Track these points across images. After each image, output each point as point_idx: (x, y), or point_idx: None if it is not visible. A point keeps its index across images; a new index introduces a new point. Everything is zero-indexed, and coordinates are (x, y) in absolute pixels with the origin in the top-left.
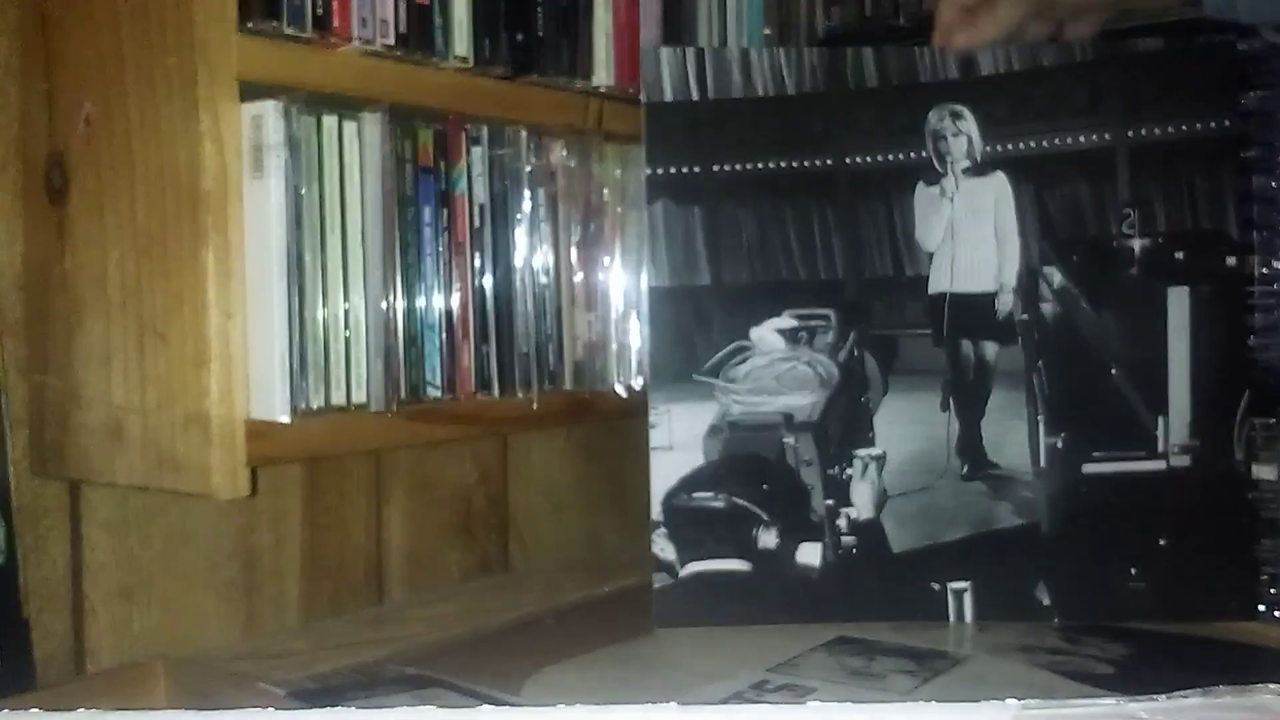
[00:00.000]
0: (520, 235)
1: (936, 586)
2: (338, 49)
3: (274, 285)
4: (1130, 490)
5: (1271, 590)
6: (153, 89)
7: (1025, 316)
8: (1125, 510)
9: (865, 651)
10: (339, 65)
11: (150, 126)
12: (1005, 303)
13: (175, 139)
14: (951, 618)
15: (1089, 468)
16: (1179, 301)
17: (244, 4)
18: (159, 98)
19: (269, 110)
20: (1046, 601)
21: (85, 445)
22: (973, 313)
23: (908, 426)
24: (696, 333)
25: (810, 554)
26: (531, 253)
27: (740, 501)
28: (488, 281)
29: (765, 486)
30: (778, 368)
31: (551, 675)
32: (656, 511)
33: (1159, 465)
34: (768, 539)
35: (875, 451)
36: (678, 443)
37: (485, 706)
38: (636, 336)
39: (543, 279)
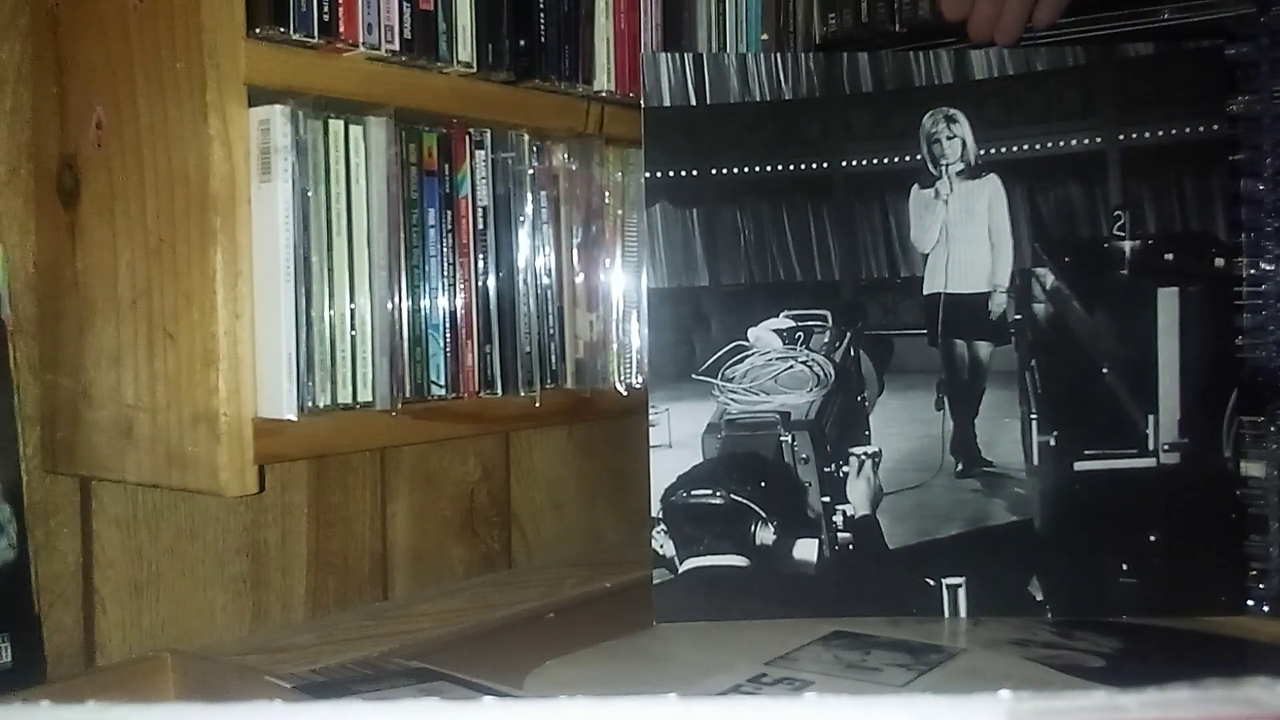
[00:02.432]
0: (523, 237)
1: (931, 582)
2: (344, 54)
3: (281, 286)
4: (1121, 487)
5: (1260, 585)
6: (162, 93)
7: (1018, 317)
8: (1116, 507)
9: (861, 645)
10: (345, 70)
11: (160, 130)
12: (999, 303)
13: (184, 142)
14: (946, 613)
15: (1081, 465)
16: (1169, 302)
17: (252, 10)
18: (168, 102)
19: (276, 114)
20: (1039, 597)
21: (96, 443)
22: (967, 313)
23: (903, 425)
24: (695, 333)
25: (807, 550)
26: (534, 254)
27: (738, 498)
28: (491, 282)
29: (763, 484)
30: (775, 367)
31: (553, 669)
32: (656, 508)
33: (1149, 463)
34: (765, 535)
35: (871, 449)
36: (677, 441)
37: (487, 698)
38: (637, 336)
39: (545, 280)
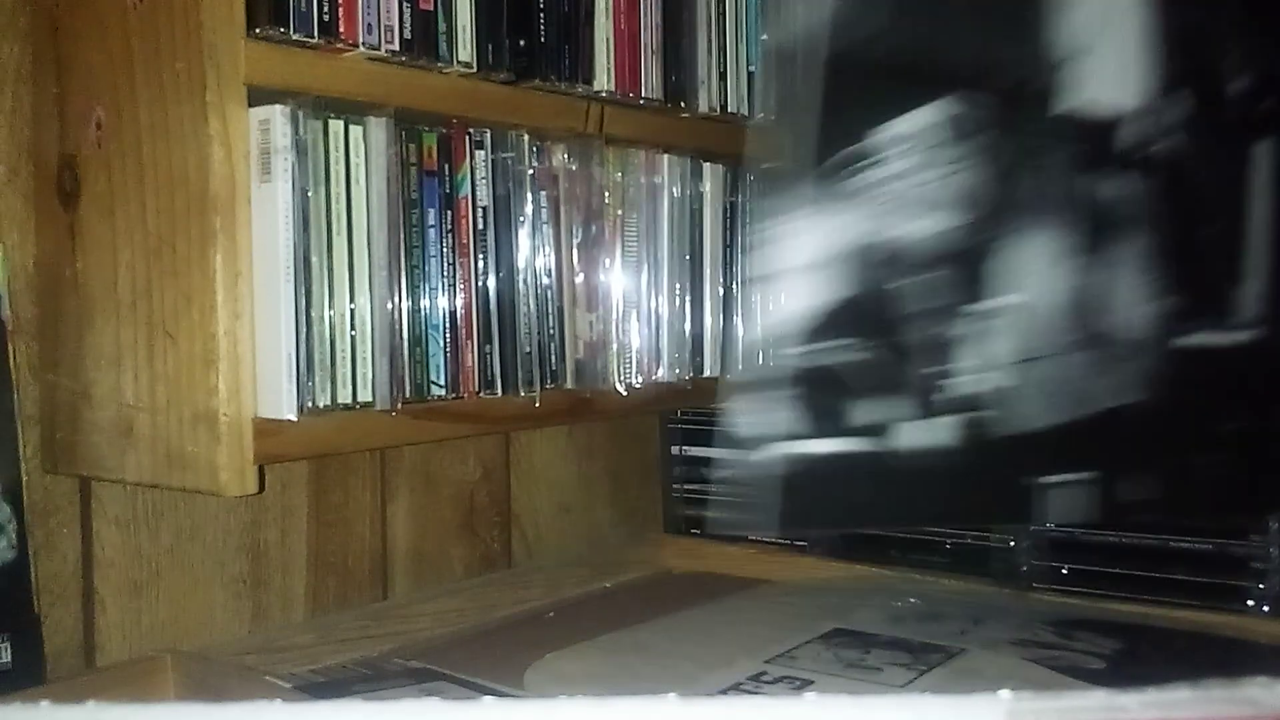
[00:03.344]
0: (523, 237)
1: (1036, 482)
2: (344, 54)
3: (281, 286)
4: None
5: (1260, 585)
6: (162, 94)
7: (1151, 150)
8: (1215, 386)
9: (861, 644)
10: (345, 70)
11: (160, 130)
12: (1130, 133)
13: (184, 143)
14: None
15: (1184, 340)
16: None
17: (252, 10)
18: (168, 102)
19: (276, 114)
20: (1157, 493)
21: (96, 443)
22: (1100, 140)
23: (1029, 277)
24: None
25: (922, 434)
26: (534, 254)
27: (854, 356)
28: (491, 283)
29: (875, 341)
30: (905, 181)
31: (552, 664)
32: (755, 368)
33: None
34: (871, 413)
35: (1001, 302)
36: (789, 269)
37: (487, 698)
38: (636, 336)
39: (545, 280)
